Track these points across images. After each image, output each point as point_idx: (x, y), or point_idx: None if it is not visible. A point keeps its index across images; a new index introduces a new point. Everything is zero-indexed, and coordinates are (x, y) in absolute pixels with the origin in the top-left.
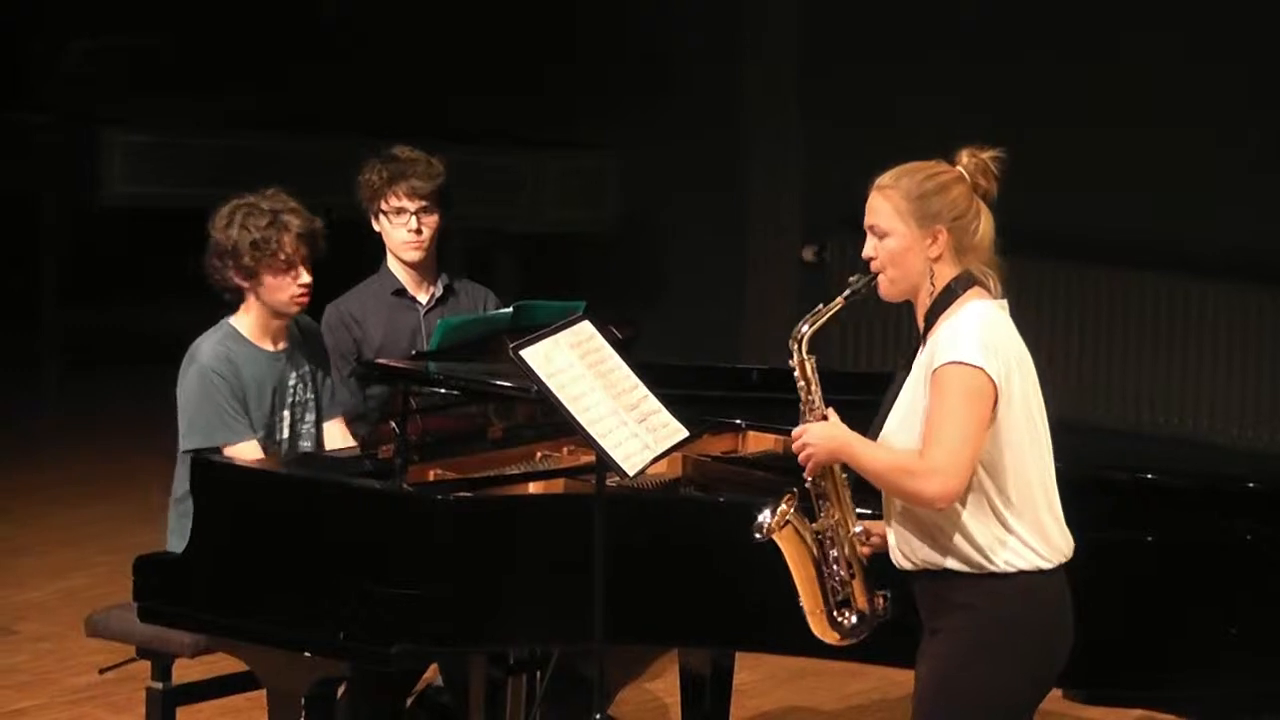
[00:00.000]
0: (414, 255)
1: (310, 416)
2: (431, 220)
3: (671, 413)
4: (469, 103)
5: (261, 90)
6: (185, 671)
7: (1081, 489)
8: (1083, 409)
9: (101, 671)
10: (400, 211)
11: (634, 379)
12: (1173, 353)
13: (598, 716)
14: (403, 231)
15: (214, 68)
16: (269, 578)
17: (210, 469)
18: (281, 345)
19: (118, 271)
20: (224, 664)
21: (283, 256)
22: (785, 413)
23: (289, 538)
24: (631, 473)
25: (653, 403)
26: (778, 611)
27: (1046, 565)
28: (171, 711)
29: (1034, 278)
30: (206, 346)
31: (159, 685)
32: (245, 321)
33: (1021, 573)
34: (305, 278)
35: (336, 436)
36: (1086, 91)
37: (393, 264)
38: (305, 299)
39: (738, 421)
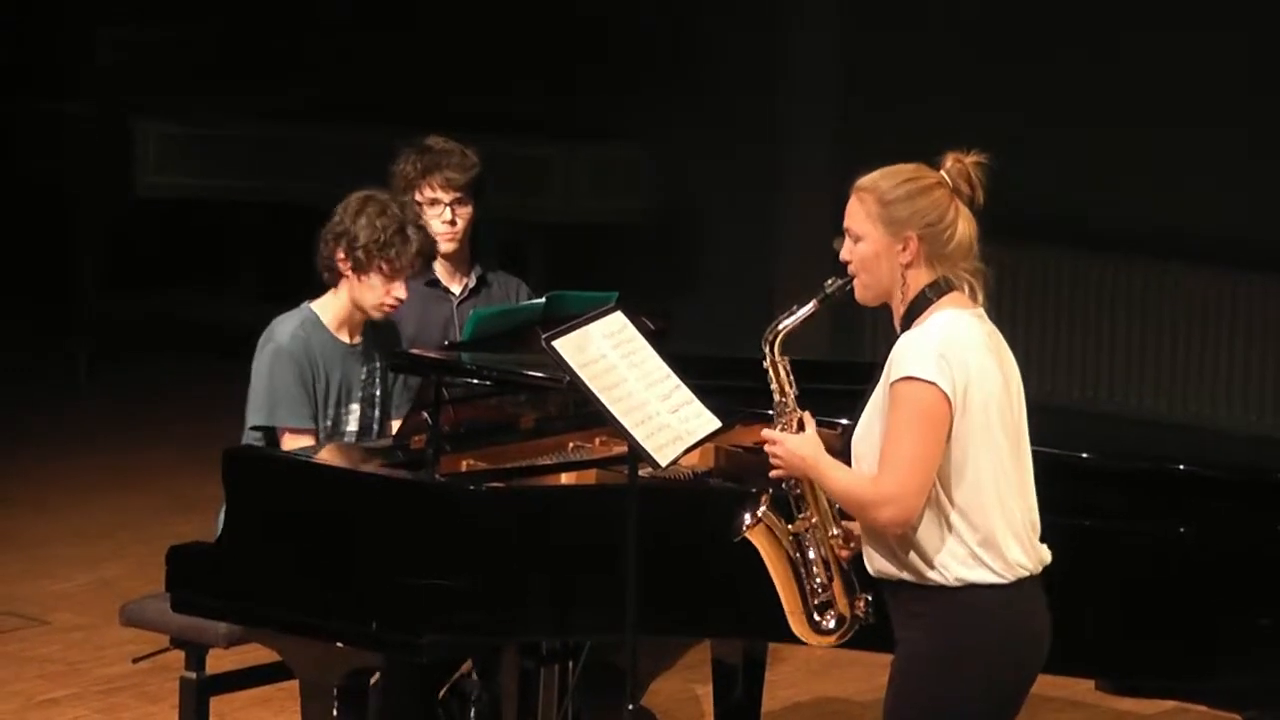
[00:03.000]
0: (448, 246)
1: (376, 412)
2: (465, 211)
3: (704, 403)
4: (500, 92)
5: (295, 82)
6: (219, 662)
7: (1113, 480)
8: (1112, 399)
9: (135, 661)
10: (434, 202)
11: (666, 369)
12: (1205, 342)
13: (630, 707)
14: (436, 223)
15: (249, 59)
16: (301, 568)
17: (242, 459)
18: (357, 339)
19: (152, 262)
20: (257, 654)
21: (397, 266)
22: (817, 404)
23: (321, 528)
24: (664, 463)
25: (685, 393)
26: None
27: (1000, 581)
28: (205, 701)
29: (1067, 269)
30: (285, 328)
31: (192, 675)
32: (327, 309)
33: (972, 586)
34: (401, 293)
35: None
36: (1126, 85)
37: None
38: (391, 310)
39: (769, 412)
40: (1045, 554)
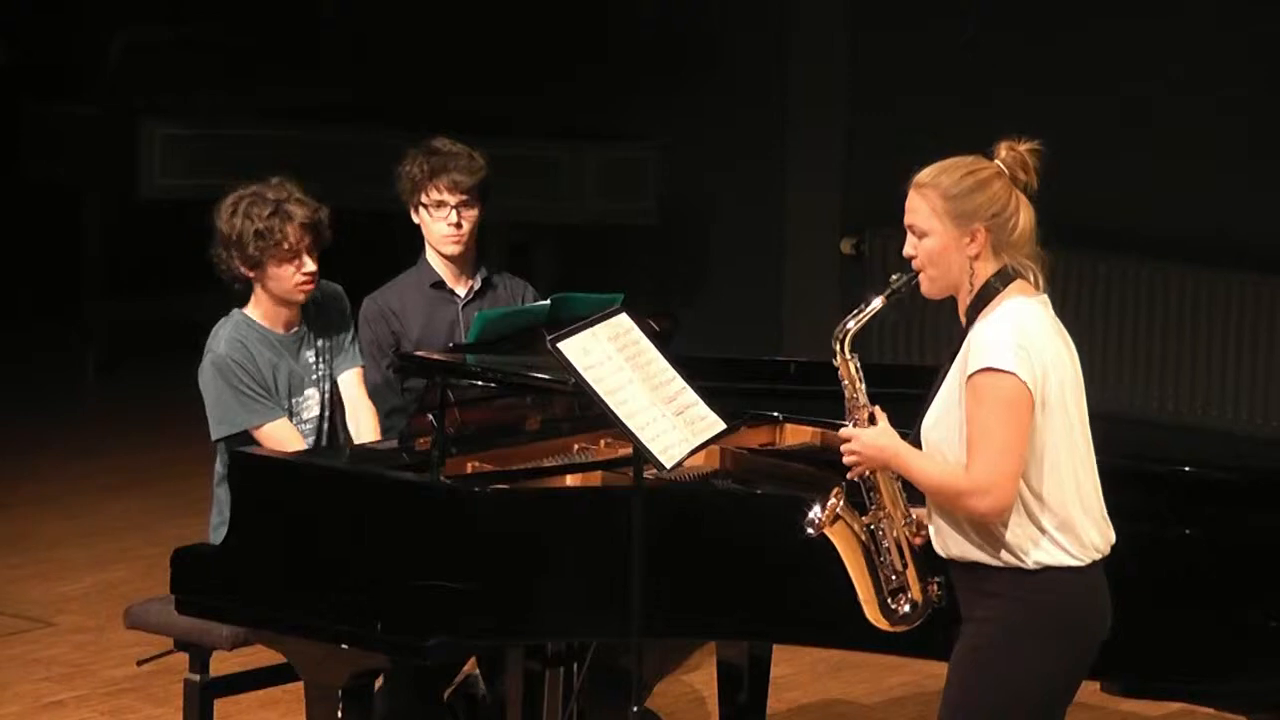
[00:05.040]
0: (453, 249)
1: (330, 387)
2: (471, 214)
3: (709, 405)
4: (506, 93)
5: (304, 81)
6: (223, 664)
7: (1122, 482)
8: (1124, 402)
9: (139, 664)
10: (440, 205)
11: (671, 371)
12: (1225, 345)
13: (635, 709)
14: (442, 225)
15: (257, 58)
16: (306, 570)
17: (248, 460)
18: (295, 327)
19: (159, 264)
20: (262, 656)
21: (286, 246)
22: (824, 405)
23: (326, 530)
24: (669, 465)
25: (690, 395)
26: (816, 604)
27: (1077, 563)
28: (209, 703)
29: (1078, 270)
30: (222, 335)
31: (197, 677)
32: (255, 310)
33: (1049, 569)
34: (310, 266)
35: (352, 386)
36: (1145, 78)
37: (431, 257)
38: (310, 286)
39: (776, 414)
40: (1112, 534)
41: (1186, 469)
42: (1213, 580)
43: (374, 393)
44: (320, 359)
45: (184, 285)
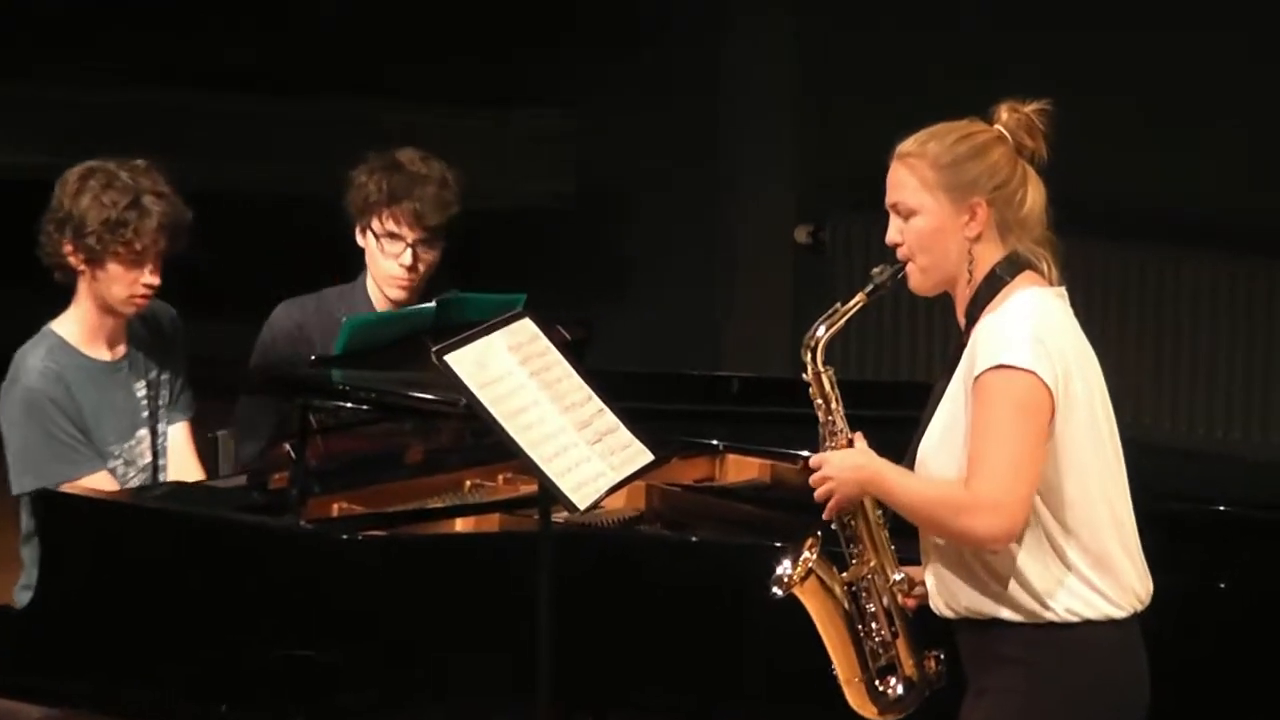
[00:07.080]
0: (399, 295)
1: (163, 427)
2: (430, 256)
3: (633, 431)
4: (402, 56)
5: (130, 37)
6: None
7: (1140, 525)
8: (1140, 425)
9: None
10: (394, 238)
11: (587, 390)
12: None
13: None
14: (392, 264)
15: (70, 14)
16: (135, 636)
17: (59, 503)
18: (120, 351)
19: None
20: None
21: (137, 247)
22: (773, 431)
23: (160, 587)
24: (583, 506)
25: (610, 419)
26: (766, 676)
27: (1118, 614)
28: None
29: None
30: (31, 364)
31: None
32: (73, 327)
33: (1087, 622)
34: (152, 278)
35: (180, 444)
36: (1136, 60)
37: (371, 288)
38: (145, 300)
39: (715, 443)
40: (1150, 582)
41: (1219, 507)
42: (1251, 641)
43: (246, 425)
44: (152, 392)
45: None
